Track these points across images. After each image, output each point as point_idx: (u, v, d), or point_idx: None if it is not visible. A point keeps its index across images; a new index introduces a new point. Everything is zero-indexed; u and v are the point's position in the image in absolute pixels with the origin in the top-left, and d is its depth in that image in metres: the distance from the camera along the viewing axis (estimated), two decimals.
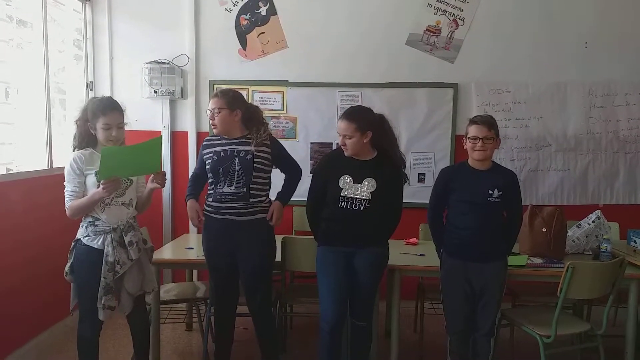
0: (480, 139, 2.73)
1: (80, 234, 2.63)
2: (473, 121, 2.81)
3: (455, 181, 2.84)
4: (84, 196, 2.56)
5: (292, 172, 3.09)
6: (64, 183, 2.59)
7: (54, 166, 3.74)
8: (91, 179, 2.56)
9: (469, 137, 2.79)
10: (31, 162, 3.62)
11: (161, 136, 2.88)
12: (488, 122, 2.77)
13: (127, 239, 2.62)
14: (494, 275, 2.79)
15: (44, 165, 3.68)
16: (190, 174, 4.27)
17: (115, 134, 2.59)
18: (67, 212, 2.57)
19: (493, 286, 2.79)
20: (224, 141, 2.94)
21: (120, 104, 2.66)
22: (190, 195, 3.01)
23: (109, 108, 2.58)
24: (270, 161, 2.94)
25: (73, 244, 2.65)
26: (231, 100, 2.89)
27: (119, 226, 2.62)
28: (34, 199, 3.48)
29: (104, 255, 2.56)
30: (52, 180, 3.66)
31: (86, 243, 2.59)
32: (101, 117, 2.55)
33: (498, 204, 2.75)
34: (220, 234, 2.91)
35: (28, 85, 3.62)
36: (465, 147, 2.84)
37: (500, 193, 2.74)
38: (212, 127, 2.94)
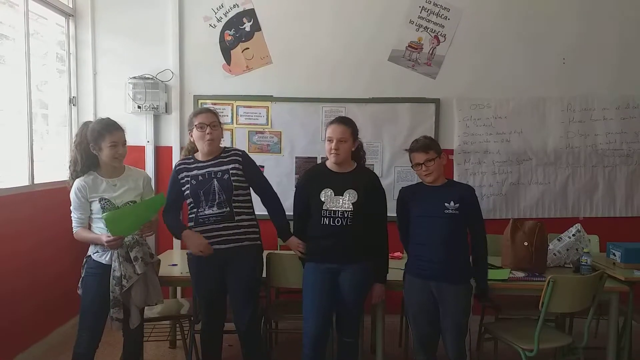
0: (421, 164, 2.80)
1: (90, 250, 2.79)
2: (411, 150, 2.86)
3: (412, 199, 2.88)
4: (89, 221, 2.76)
5: (270, 201, 2.98)
6: (71, 208, 2.74)
7: (35, 182, 3.70)
8: (96, 206, 2.72)
9: (413, 165, 2.86)
10: (12, 178, 3.56)
11: (163, 193, 2.92)
12: (423, 147, 2.81)
13: (132, 254, 2.74)
14: (454, 296, 2.74)
15: (25, 182, 3.63)
16: None
17: (121, 151, 2.74)
18: (75, 236, 2.77)
19: (455, 307, 2.75)
20: (199, 164, 2.90)
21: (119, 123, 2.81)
22: (183, 227, 2.95)
23: (114, 127, 2.73)
24: (243, 176, 2.89)
25: (85, 259, 2.80)
26: (219, 118, 2.94)
27: (125, 242, 2.72)
28: (15, 216, 3.43)
29: (112, 270, 2.70)
30: (33, 196, 3.64)
31: (95, 259, 2.75)
32: (107, 136, 2.69)
33: (456, 216, 2.75)
34: (207, 264, 2.88)
35: (9, 99, 3.57)
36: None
37: (457, 205, 2.74)
38: (207, 141, 2.83)
